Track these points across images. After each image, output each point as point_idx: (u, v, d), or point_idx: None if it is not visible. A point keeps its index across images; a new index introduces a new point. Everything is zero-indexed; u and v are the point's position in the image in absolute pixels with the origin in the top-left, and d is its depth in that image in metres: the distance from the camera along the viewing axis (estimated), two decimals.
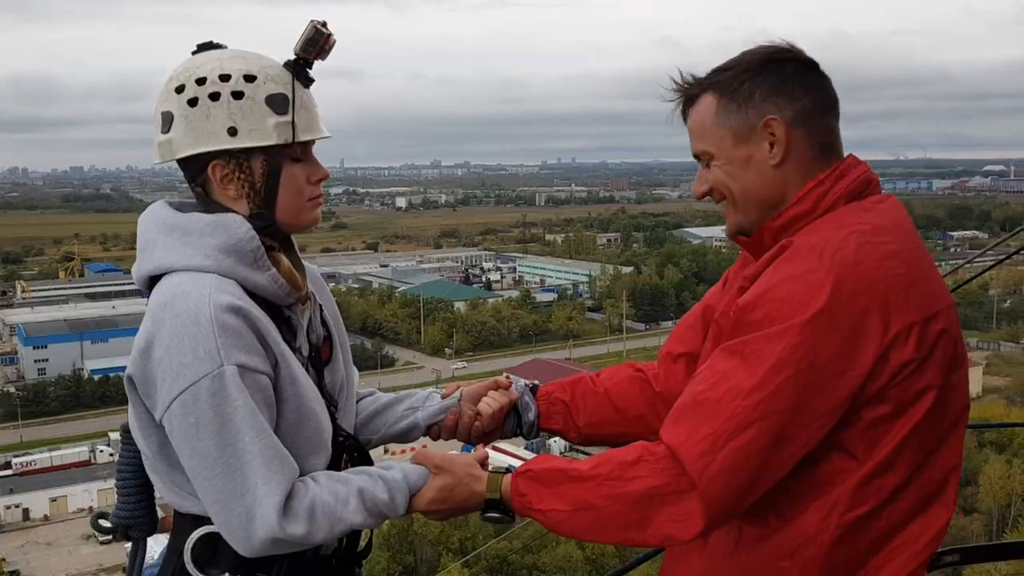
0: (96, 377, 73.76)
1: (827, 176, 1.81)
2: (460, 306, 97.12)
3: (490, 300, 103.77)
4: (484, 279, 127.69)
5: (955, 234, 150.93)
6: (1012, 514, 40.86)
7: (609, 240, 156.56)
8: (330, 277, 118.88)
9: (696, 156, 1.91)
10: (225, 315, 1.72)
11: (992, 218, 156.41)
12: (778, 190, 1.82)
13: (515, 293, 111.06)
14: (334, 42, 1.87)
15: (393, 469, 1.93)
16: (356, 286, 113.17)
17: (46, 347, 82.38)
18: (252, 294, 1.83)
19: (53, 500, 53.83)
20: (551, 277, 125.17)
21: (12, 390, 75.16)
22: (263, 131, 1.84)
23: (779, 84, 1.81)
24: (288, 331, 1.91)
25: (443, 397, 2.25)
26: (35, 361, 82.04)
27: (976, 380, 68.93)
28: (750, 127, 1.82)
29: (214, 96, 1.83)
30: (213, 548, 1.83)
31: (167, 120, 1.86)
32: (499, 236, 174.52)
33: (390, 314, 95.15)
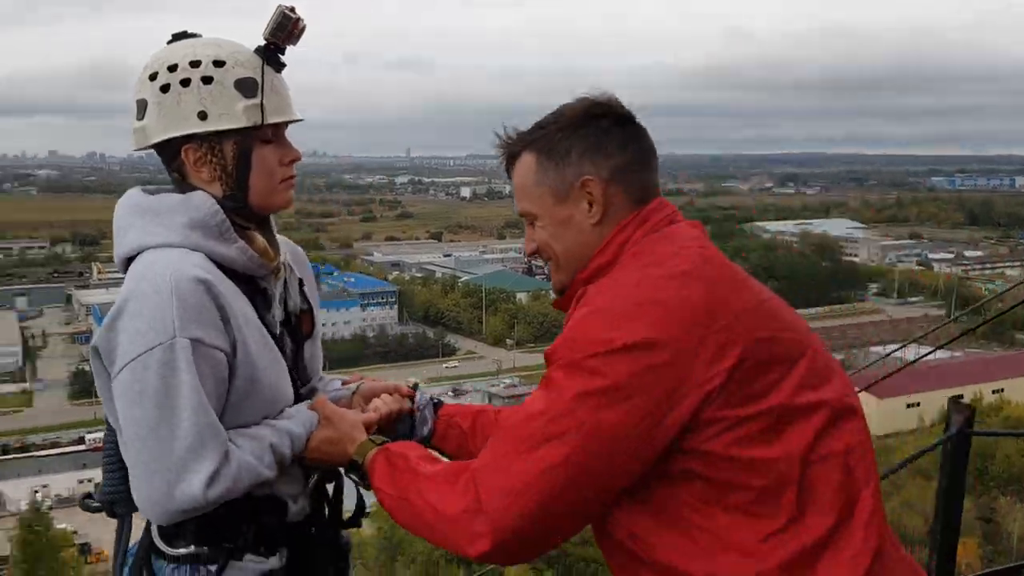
0: None
1: (629, 222, 1.79)
2: (522, 297, 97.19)
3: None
4: (546, 270, 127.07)
5: None
6: None
7: None
8: (394, 265, 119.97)
9: (521, 215, 1.90)
10: (186, 286, 1.74)
11: None
12: (597, 248, 1.81)
13: None
14: (303, 27, 1.90)
15: (294, 420, 1.95)
16: (419, 275, 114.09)
17: None
18: (224, 268, 1.87)
19: None
20: None
21: (87, 368, 77.55)
22: (232, 114, 1.87)
23: (596, 141, 1.79)
24: (263, 302, 1.95)
25: (343, 384, 2.26)
26: None
27: None
28: (568, 186, 1.80)
29: (185, 82, 1.86)
30: (178, 523, 1.84)
31: (141, 107, 1.91)
32: None
33: (452, 303, 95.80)
